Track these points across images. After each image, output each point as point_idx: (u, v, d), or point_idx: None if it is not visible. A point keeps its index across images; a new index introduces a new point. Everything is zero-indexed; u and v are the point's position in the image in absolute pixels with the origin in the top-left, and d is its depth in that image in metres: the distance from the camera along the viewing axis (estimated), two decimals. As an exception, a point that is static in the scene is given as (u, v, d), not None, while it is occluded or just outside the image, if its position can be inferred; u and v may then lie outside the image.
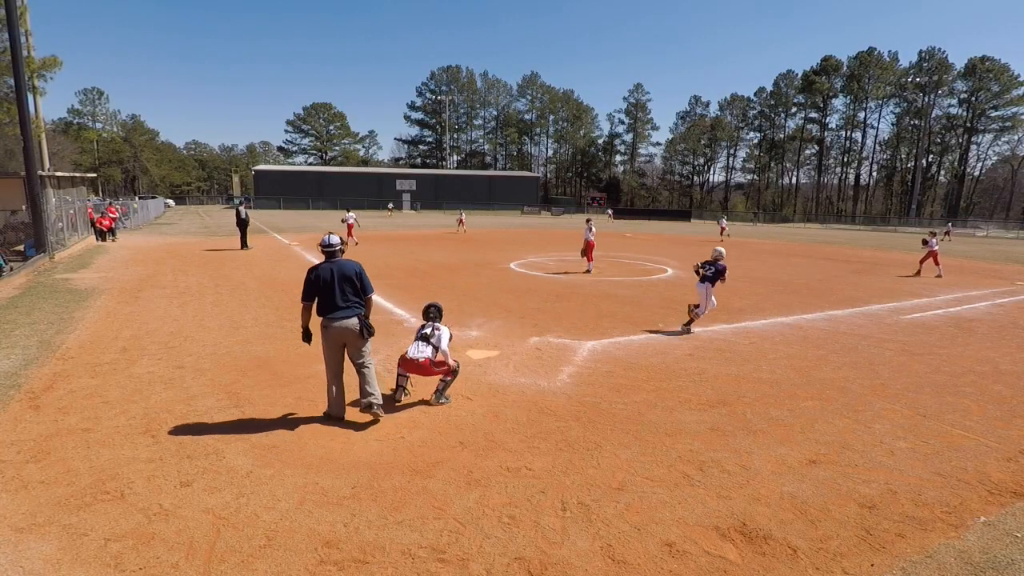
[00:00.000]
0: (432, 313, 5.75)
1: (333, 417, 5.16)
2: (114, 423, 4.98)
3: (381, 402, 5.09)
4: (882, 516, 3.75)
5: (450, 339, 5.72)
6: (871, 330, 9.45)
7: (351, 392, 5.32)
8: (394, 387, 5.70)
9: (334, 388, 5.14)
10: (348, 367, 5.18)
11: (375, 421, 5.12)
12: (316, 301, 5.03)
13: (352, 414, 5.25)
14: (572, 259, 19.75)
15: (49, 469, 4.14)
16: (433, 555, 3.23)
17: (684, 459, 4.53)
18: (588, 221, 16.92)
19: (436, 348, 5.48)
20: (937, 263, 17.29)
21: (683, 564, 3.22)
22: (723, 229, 36.34)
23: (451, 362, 5.57)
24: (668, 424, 5.24)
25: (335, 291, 4.97)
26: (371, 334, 5.10)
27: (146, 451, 4.46)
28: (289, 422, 5.07)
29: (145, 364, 6.73)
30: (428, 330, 5.57)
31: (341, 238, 5.25)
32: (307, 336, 5.11)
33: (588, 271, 16.14)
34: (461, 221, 36.28)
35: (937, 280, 16.33)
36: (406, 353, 5.49)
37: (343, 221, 24.48)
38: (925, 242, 17.52)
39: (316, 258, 17.87)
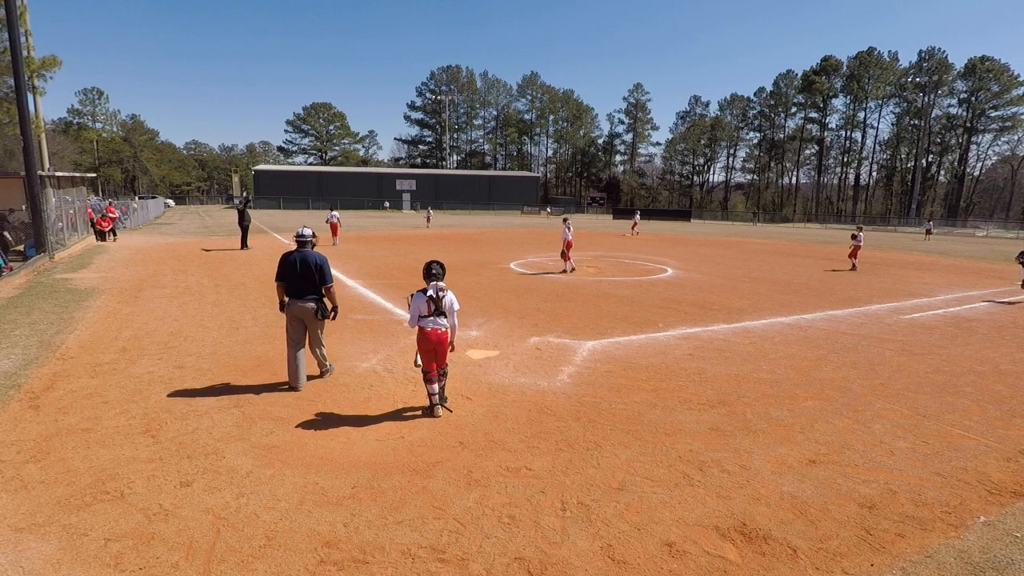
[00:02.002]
0: (436, 270, 5.25)
1: (291, 387, 5.91)
2: (114, 423, 4.98)
3: (330, 369, 6.30)
4: (882, 516, 3.75)
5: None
6: (871, 330, 9.45)
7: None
8: (428, 405, 5.36)
9: (292, 360, 5.91)
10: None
11: (376, 421, 5.14)
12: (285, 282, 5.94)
13: (351, 413, 5.26)
14: (572, 259, 19.75)
15: (49, 469, 4.14)
16: (433, 555, 3.23)
17: (684, 459, 4.53)
18: (565, 220, 16.84)
19: (445, 314, 5.19)
20: (854, 256, 18.70)
21: (683, 564, 3.22)
22: (635, 224, 37.08)
23: (455, 337, 5.36)
24: (668, 424, 5.24)
25: (297, 277, 5.87)
26: (324, 316, 5.99)
27: (146, 451, 4.46)
28: (289, 422, 5.07)
29: (145, 364, 6.73)
30: (433, 292, 5.13)
31: (314, 232, 6.14)
32: (283, 307, 6.02)
33: (565, 271, 16.03)
34: (428, 218, 40.50)
35: (936, 280, 16.36)
36: (424, 328, 5.15)
37: (327, 221, 24.30)
38: (854, 236, 19.03)
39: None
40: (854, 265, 18.71)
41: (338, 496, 3.84)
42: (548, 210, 70.27)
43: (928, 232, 41.49)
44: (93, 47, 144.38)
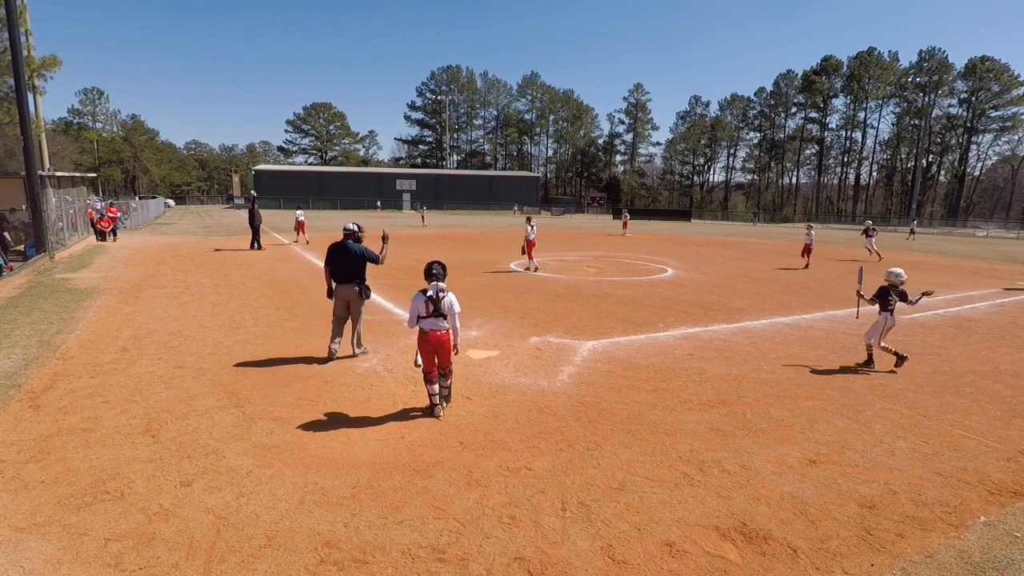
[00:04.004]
0: (436, 270, 5.21)
1: (329, 356, 6.94)
2: (114, 423, 4.98)
3: (366, 351, 7.23)
4: (882, 516, 3.75)
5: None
6: (871, 330, 9.44)
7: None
8: (429, 404, 5.34)
9: (333, 333, 7.04)
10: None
11: (376, 421, 5.14)
12: (331, 268, 7.00)
13: (351, 413, 5.27)
14: (572, 259, 19.77)
15: (49, 469, 4.14)
16: (433, 555, 3.23)
17: (684, 459, 4.54)
18: (528, 220, 16.73)
19: (446, 316, 5.12)
20: (806, 255, 18.94)
21: (683, 564, 3.22)
22: (625, 224, 37.25)
23: (458, 338, 5.27)
24: (668, 424, 5.24)
25: (341, 264, 6.97)
26: (365, 297, 7.05)
27: (146, 451, 4.46)
28: (289, 422, 5.07)
29: (145, 364, 6.73)
30: (432, 293, 5.07)
31: (359, 226, 7.18)
32: (329, 293, 7.06)
33: (528, 269, 15.95)
34: (423, 217, 42.05)
35: (936, 280, 16.36)
36: (423, 329, 5.12)
37: (298, 219, 24.38)
38: (807, 234, 19.48)
39: (316, 259, 18.15)
40: (801, 262, 18.86)
41: (338, 496, 3.84)
42: (515, 209, 70.60)
43: (912, 232, 41.55)
44: (93, 47, 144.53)
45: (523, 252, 16.32)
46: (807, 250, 18.95)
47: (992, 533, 3.58)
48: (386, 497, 3.85)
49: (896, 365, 7.11)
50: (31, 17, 23.94)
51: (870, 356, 7.18)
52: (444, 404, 5.37)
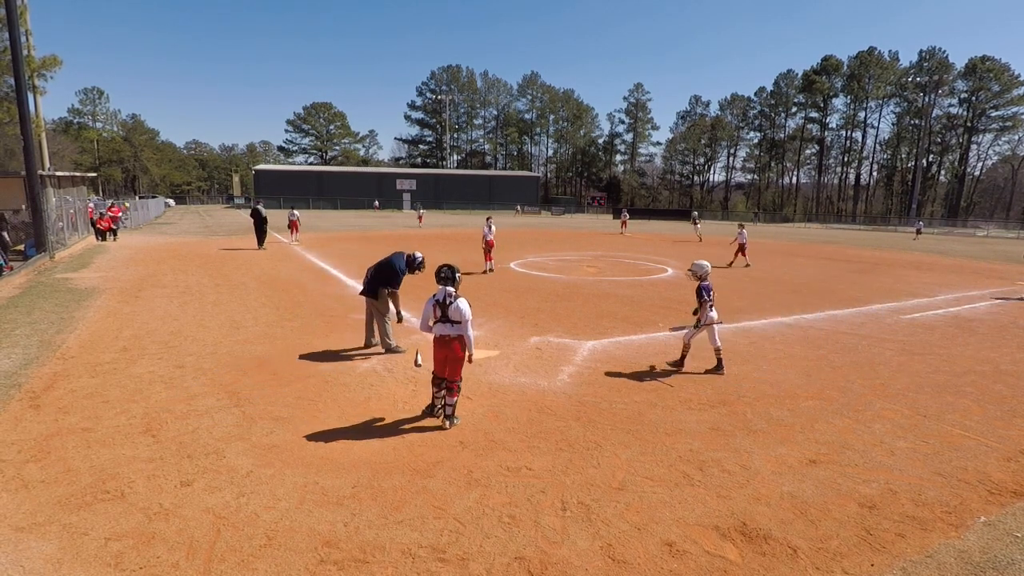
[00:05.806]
0: (444, 273, 5.02)
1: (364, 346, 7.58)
2: (114, 422, 4.98)
3: (387, 345, 7.37)
4: (882, 516, 3.75)
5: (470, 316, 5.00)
6: (871, 330, 9.44)
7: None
8: (430, 403, 5.27)
9: (364, 330, 7.68)
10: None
11: (376, 422, 5.14)
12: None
13: (351, 413, 5.28)
14: (572, 259, 19.77)
15: (49, 468, 4.14)
16: (433, 554, 3.23)
17: (684, 459, 4.54)
18: (488, 220, 16.54)
19: (456, 323, 4.89)
20: (743, 254, 18.93)
21: (683, 564, 3.22)
22: (623, 223, 37.31)
23: (471, 348, 4.99)
24: (668, 424, 5.24)
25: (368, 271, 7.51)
26: (362, 293, 7.42)
27: (146, 450, 4.46)
28: (289, 422, 5.07)
29: (145, 364, 6.73)
30: (440, 297, 4.92)
31: (422, 259, 7.45)
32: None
33: (486, 271, 15.65)
34: (420, 217, 41.07)
35: (936, 280, 16.36)
36: (434, 334, 4.97)
37: (291, 219, 24.46)
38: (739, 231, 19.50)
39: (317, 258, 18.14)
40: (736, 262, 18.79)
41: (338, 496, 3.84)
42: (517, 209, 71.27)
43: (918, 231, 41.64)
44: (93, 47, 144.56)
45: (485, 253, 15.93)
46: (741, 249, 18.83)
47: (992, 533, 3.58)
48: (386, 497, 3.85)
49: (714, 369, 6.87)
50: (31, 17, 23.95)
51: (684, 357, 6.97)
52: (448, 423, 5.04)
